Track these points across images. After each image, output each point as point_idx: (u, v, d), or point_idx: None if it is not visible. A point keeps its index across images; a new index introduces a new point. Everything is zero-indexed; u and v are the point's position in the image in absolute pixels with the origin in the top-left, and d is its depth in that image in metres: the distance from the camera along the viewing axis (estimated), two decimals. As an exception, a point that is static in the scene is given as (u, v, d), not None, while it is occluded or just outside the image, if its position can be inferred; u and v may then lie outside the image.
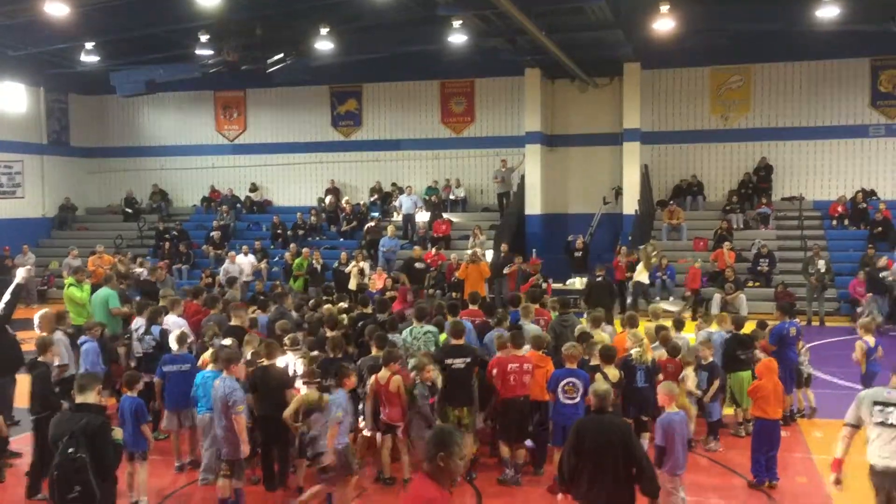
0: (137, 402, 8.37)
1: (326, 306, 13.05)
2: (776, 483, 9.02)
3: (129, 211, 29.46)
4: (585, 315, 12.53)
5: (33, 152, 28.85)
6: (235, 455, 8.10)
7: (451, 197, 27.20)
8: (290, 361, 9.63)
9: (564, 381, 8.96)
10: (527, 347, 9.79)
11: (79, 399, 6.18)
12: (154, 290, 15.29)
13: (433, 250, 23.33)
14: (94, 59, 23.42)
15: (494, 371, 9.34)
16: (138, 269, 20.26)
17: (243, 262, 22.85)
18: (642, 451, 6.66)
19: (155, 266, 19.20)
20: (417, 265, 21.20)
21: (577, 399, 8.87)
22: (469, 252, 20.80)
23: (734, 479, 9.38)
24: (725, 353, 11.20)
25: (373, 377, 9.15)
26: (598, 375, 9.00)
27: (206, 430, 9.18)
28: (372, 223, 25.14)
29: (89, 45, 22.85)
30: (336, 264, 22.35)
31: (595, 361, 9.41)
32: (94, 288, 14.43)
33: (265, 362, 9.09)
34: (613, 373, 9.27)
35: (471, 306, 12.53)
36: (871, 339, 11.54)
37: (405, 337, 10.44)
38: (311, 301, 13.93)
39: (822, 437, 11.18)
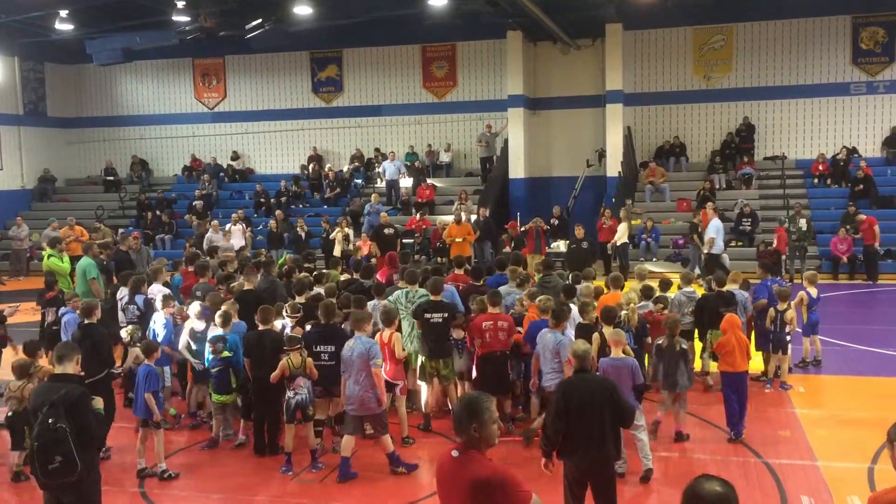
0: (146, 370, 8.44)
1: (304, 273, 13.01)
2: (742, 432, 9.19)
3: (111, 180, 29.19)
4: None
5: (10, 123, 28.42)
6: (362, 411, 8.28)
7: (437, 162, 27.04)
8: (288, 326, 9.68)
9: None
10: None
11: (58, 369, 6.11)
12: (128, 259, 15.10)
13: (417, 216, 23.22)
14: (68, 27, 23.00)
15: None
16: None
17: (235, 231, 22.31)
18: (629, 404, 6.74)
19: (126, 235, 18.88)
20: (386, 231, 20.79)
21: None
22: (453, 215, 20.68)
23: (717, 432, 9.46)
24: (708, 310, 11.25)
25: (377, 335, 9.34)
26: (595, 335, 9.02)
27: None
28: (351, 206, 24.93)
29: (64, 13, 22.39)
30: (323, 232, 22.19)
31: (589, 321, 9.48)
32: (72, 259, 14.34)
33: (261, 327, 9.15)
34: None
35: (455, 270, 12.52)
36: (813, 291, 12.27)
37: (398, 299, 10.43)
38: (285, 268, 13.84)
39: (804, 392, 11.28)
